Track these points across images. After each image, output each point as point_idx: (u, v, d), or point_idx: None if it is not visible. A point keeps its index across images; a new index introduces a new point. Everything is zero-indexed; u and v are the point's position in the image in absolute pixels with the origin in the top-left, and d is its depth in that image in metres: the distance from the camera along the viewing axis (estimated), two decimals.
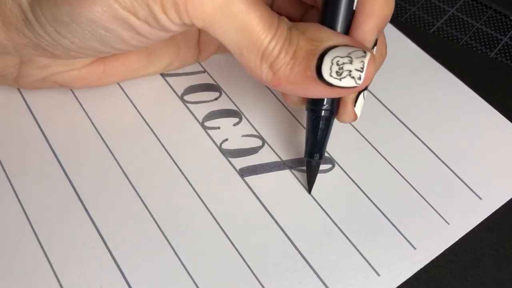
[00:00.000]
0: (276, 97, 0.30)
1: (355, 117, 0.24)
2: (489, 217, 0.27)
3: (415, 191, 0.27)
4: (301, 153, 0.28)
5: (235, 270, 0.24)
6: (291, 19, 0.26)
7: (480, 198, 0.27)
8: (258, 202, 0.26)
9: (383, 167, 0.28)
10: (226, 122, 0.29)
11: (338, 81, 0.21)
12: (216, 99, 0.30)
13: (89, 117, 0.28)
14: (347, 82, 0.21)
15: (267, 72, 0.21)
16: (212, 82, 0.30)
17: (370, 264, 0.25)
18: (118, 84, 0.30)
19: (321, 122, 0.24)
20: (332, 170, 0.28)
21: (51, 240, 0.24)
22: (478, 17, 0.36)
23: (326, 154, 0.28)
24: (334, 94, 0.22)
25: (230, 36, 0.21)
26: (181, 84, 0.30)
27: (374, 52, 0.23)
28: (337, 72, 0.21)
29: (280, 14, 0.27)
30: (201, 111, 0.29)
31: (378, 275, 0.24)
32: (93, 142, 0.27)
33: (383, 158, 0.28)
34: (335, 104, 0.24)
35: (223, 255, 0.24)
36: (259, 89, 0.30)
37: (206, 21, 0.20)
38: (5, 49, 0.23)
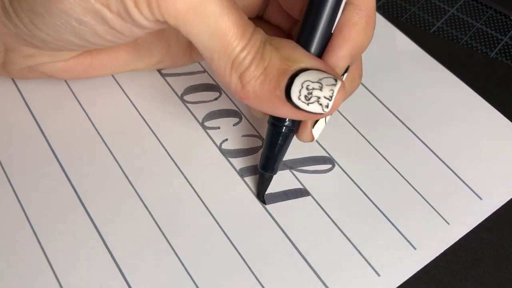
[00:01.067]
0: None
1: (312, 138, 0.24)
2: (489, 217, 0.27)
3: (415, 191, 0.27)
4: (301, 153, 0.28)
5: (235, 270, 0.24)
6: (280, 30, 0.26)
7: (480, 198, 0.27)
8: (258, 202, 0.26)
9: (383, 167, 0.28)
10: (226, 122, 0.29)
11: (306, 105, 0.21)
12: (216, 99, 0.30)
13: (89, 117, 0.28)
14: (314, 108, 0.21)
15: (236, 83, 0.21)
16: (212, 82, 0.30)
17: (370, 264, 0.25)
18: (118, 84, 0.30)
19: (280, 138, 0.24)
20: (332, 170, 0.28)
21: (51, 240, 0.24)
22: (478, 17, 0.36)
23: (326, 154, 0.28)
24: (300, 117, 0.22)
25: (201, 38, 0.21)
26: (181, 84, 0.30)
27: (344, 78, 0.23)
28: (305, 96, 0.21)
29: (270, 23, 0.27)
30: (201, 111, 0.29)
31: (378, 275, 0.24)
32: (93, 142, 0.27)
33: (383, 158, 0.28)
34: (296, 123, 0.24)
35: (223, 255, 0.24)
36: None
37: (178, 19, 0.20)
38: None
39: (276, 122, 0.24)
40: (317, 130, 0.24)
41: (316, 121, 0.24)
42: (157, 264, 0.24)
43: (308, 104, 0.21)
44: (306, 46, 0.22)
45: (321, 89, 0.20)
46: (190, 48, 0.29)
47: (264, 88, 0.21)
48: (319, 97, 0.21)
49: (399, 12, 0.36)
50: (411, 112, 0.30)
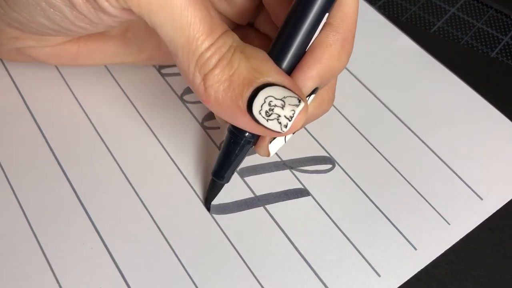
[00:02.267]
0: None
1: (268, 154, 0.23)
2: (490, 217, 0.27)
3: (415, 191, 0.27)
4: (301, 153, 0.28)
5: (235, 270, 0.24)
6: (269, 39, 0.26)
7: (481, 199, 0.27)
8: (259, 202, 0.26)
9: (383, 167, 0.28)
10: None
11: (265, 121, 0.20)
12: None
13: (88, 117, 0.28)
14: (273, 125, 0.20)
15: (199, 84, 0.21)
16: None
17: (370, 265, 0.25)
18: (118, 84, 0.30)
19: (237, 148, 0.23)
20: (332, 170, 0.28)
21: (50, 241, 0.24)
22: (478, 16, 0.36)
23: (326, 154, 0.28)
24: (257, 131, 0.21)
25: (166, 30, 0.20)
26: (180, 84, 0.30)
27: (311, 99, 0.22)
28: (266, 112, 0.20)
29: (259, 32, 0.26)
30: (201, 111, 0.29)
31: (379, 275, 0.24)
32: (93, 142, 0.27)
33: (383, 158, 0.28)
34: (256, 135, 0.23)
35: (223, 255, 0.24)
36: None
37: (142, 8, 0.20)
38: None
39: (235, 132, 0.23)
40: (274, 147, 0.23)
41: (274, 138, 0.23)
42: (157, 264, 0.24)
43: (267, 120, 0.20)
44: (277, 60, 0.21)
45: (283, 107, 0.20)
46: None
47: (227, 95, 0.20)
48: (279, 115, 0.20)
49: (399, 12, 0.36)
50: (411, 112, 0.30)
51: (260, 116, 0.20)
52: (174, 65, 0.31)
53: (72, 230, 0.25)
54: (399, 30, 0.34)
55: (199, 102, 0.29)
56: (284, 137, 0.23)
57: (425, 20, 0.36)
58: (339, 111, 0.30)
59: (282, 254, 0.25)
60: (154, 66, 0.31)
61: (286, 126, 0.20)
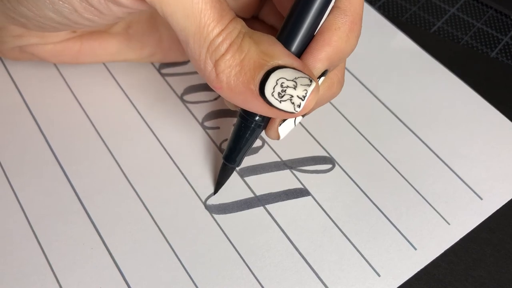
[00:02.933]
0: None
1: (278, 136, 0.24)
2: (489, 217, 0.27)
3: (415, 191, 0.27)
4: (301, 153, 0.28)
5: (235, 270, 0.24)
6: (275, 30, 0.26)
7: (481, 198, 0.27)
8: (259, 202, 0.26)
9: (383, 167, 0.28)
10: (226, 122, 0.29)
11: (278, 102, 0.21)
12: (215, 99, 0.30)
13: (89, 117, 0.28)
14: (286, 106, 0.21)
15: (211, 70, 0.21)
16: None
17: (370, 265, 0.25)
18: (118, 84, 0.30)
19: (248, 132, 0.24)
20: (332, 170, 0.28)
21: (51, 241, 0.24)
22: (478, 16, 0.36)
23: (326, 154, 0.28)
24: (271, 113, 0.21)
25: (177, 19, 0.20)
26: (181, 84, 0.30)
27: (321, 81, 0.23)
28: (279, 93, 0.20)
29: (265, 23, 0.27)
30: (201, 111, 0.29)
31: (379, 275, 0.24)
32: (93, 142, 0.27)
33: (383, 158, 0.28)
34: (266, 119, 0.24)
35: (223, 255, 0.24)
36: None
37: None
38: None
39: (246, 116, 0.23)
40: (283, 129, 0.24)
41: (284, 120, 0.23)
42: (157, 264, 0.24)
43: (280, 101, 0.21)
44: (286, 44, 0.21)
45: (295, 87, 0.20)
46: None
47: (239, 80, 0.21)
48: (292, 96, 0.20)
49: (399, 12, 0.36)
50: (411, 112, 0.30)
51: (272, 98, 0.20)
52: (174, 64, 0.31)
53: (72, 230, 0.25)
54: (399, 30, 0.34)
55: (199, 102, 0.29)
56: (294, 119, 0.24)
57: (425, 20, 0.36)
58: (339, 111, 0.30)
59: (282, 254, 0.25)
60: (154, 66, 0.31)
61: (299, 106, 0.21)
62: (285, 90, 0.20)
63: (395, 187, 0.27)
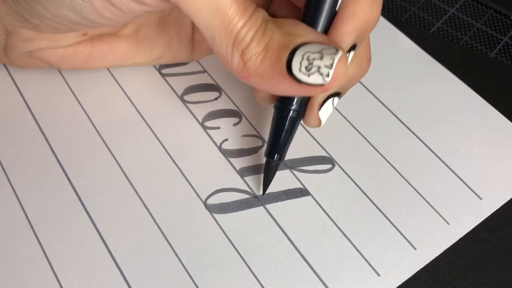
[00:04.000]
0: None
1: (319, 122, 0.24)
2: (489, 217, 0.27)
3: (415, 191, 0.27)
4: (301, 153, 0.28)
5: (235, 270, 0.24)
6: None
7: (481, 198, 0.27)
8: (259, 202, 0.26)
9: (383, 167, 0.28)
10: (226, 122, 0.29)
11: (306, 77, 0.20)
12: (216, 99, 0.30)
13: (89, 117, 0.28)
14: (315, 78, 0.20)
15: (238, 61, 0.21)
16: (212, 82, 0.30)
17: (370, 264, 0.25)
18: (118, 84, 0.30)
19: (287, 122, 0.24)
20: (332, 170, 0.28)
21: (51, 240, 0.24)
22: (478, 17, 0.36)
23: (326, 154, 0.28)
24: (302, 91, 0.21)
25: (202, 16, 0.20)
26: (181, 84, 0.30)
27: (350, 57, 0.23)
28: (306, 67, 0.20)
29: (277, 17, 0.27)
30: (201, 111, 0.29)
31: (378, 275, 0.24)
32: (93, 142, 0.27)
33: (383, 158, 0.28)
34: (303, 106, 0.23)
35: (223, 255, 0.24)
36: None
37: None
38: None
39: (282, 105, 0.23)
40: (324, 114, 0.24)
41: (323, 104, 0.23)
42: (157, 264, 0.24)
43: (308, 75, 0.20)
44: (310, 24, 0.22)
45: (321, 58, 0.20)
46: (192, 45, 0.29)
47: (265, 64, 0.21)
48: (319, 67, 0.20)
49: (399, 12, 0.36)
50: (411, 112, 0.30)
51: (300, 73, 0.20)
52: (174, 64, 0.31)
53: (73, 230, 0.25)
54: (399, 30, 0.34)
55: (199, 102, 0.29)
56: (331, 102, 0.24)
57: (424, 20, 0.36)
58: (339, 111, 0.30)
59: (282, 254, 0.25)
60: (155, 66, 0.31)
61: (328, 76, 0.20)
62: (312, 62, 0.20)
63: (395, 187, 0.27)
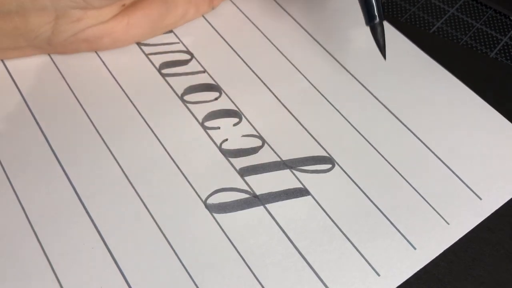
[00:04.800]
0: (276, 97, 0.30)
1: None
2: (489, 217, 0.27)
3: (415, 191, 0.27)
4: (301, 153, 0.28)
5: (235, 270, 0.24)
6: None
7: (480, 198, 0.27)
8: (259, 201, 0.26)
9: (383, 167, 0.28)
10: (226, 122, 0.29)
11: None
12: (216, 99, 0.30)
13: (89, 117, 0.28)
14: None
15: None
16: (212, 82, 0.30)
17: (370, 264, 0.25)
18: (118, 84, 0.30)
19: None
20: (332, 170, 0.28)
21: (51, 240, 0.24)
22: (478, 17, 0.36)
23: (326, 154, 0.28)
24: None
25: None
26: (181, 84, 0.30)
27: None
28: None
29: None
30: (201, 111, 0.29)
31: (378, 275, 0.24)
32: (93, 142, 0.27)
33: (383, 158, 0.28)
34: None
35: (223, 255, 0.24)
36: (259, 89, 0.30)
37: None
38: (43, 4, 0.26)
39: None
40: None
41: None
42: (157, 264, 0.24)
43: None
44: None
45: None
46: None
47: None
48: None
49: (399, 12, 0.36)
50: (411, 112, 0.30)
51: None
52: (174, 64, 0.31)
53: (73, 230, 0.25)
54: (398, 30, 0.34)
55: (199, 102, 0.30)
56: None
57: (424, 20, 0.36)
58: (339, 112, 0.30)
59: (282, 254, 0.25)
60: (155, 66, 0.31)
61: None
62: None
63: (394, 187, 0.27)
